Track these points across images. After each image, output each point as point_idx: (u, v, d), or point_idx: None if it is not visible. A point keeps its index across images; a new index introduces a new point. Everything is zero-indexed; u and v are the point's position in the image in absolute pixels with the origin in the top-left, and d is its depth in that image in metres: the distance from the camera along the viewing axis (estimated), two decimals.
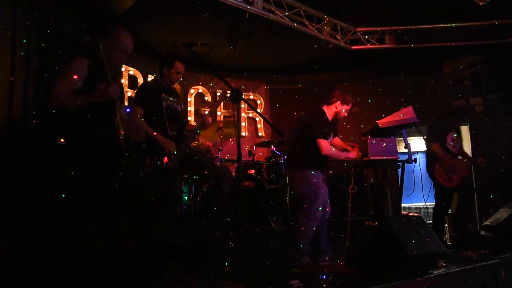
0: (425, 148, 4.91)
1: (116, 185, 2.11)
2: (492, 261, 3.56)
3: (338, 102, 3.86)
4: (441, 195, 4.79)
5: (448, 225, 5.89)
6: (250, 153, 5.48)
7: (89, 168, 2.49)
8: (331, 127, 3.83)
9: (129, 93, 5.56)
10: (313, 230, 3.58)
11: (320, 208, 3.59)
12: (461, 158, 4.83)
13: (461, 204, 4.87)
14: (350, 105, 3.92)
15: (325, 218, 3.77)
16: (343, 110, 3.88)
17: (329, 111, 3.88)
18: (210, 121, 3.79)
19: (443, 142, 4.79)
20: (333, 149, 3.73)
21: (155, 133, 3.30)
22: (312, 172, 3.64)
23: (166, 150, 3.30)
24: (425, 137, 4.56)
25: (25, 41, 3.80)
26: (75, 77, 2.57)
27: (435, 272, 3.05)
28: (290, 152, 4.00)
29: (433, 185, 4.76)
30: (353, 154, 3.81)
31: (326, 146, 3.64)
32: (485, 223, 4.45)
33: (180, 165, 3.39)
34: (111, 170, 2.44)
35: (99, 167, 2.46)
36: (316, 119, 3.79)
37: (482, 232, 4.58)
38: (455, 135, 4.90)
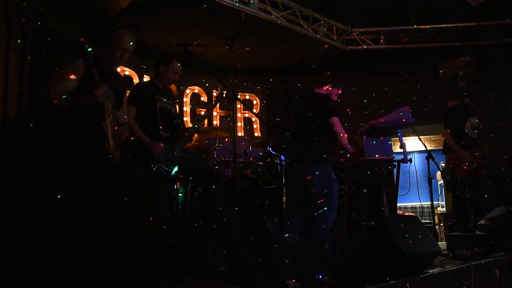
0: (421, 148, 4.92)
1: (108, 185, 2.11)
2: (487, 260, 3.59)
3: (329, 85, 3.73)
4: (453, 185, 4.75)
5: (443, 224, 5.93)
6: (246, 153, 5.47)
7: (73, 170, 2.47)
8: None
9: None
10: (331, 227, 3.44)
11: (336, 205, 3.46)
12: (477, 145, 4.77)
13: (470, 197, 4.78)
14: (340, 89, 3.80)
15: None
16: (334, 94, 3.75)
17: (322, 92, 3.74)
18: (205, 126, 3.78)
19: (457, 128, 4.77)
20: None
21: (142, 134, 3.30)
22: (328, 166, 3.51)
23: (152, 152, 3.29)
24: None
25: (19, 41, 3.79)
26: (69, 78, 2.54)
27: (431, 271, 3.07)
28: (305, 146, 3.62)
29: (444, 178, 4.71)
30: (352, 148, 3.68)
31: (340, 125, 3.46)
32: (480, 222, 4.47)
33: (174, 165, 3.38)
34: (96, 173, 2.43)
35: (83, 170, 2.44)
36: (321, 100, 3.61)
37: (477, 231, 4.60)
38: (477, 120, 4.86)
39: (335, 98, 3.81)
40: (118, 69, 2.88)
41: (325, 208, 3.43)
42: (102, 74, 2.66)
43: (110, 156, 2.60)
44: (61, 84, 2.53)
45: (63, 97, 2.51)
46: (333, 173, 3.62)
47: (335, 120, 3.49)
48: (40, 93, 2.57)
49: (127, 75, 2.75)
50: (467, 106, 4.98)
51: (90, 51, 2.44)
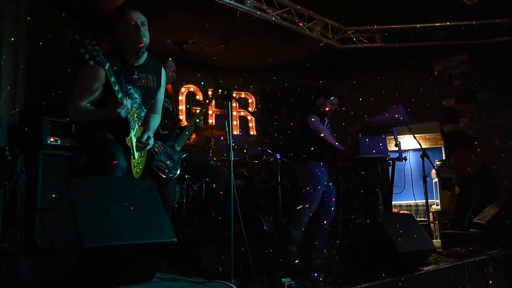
0: (416, 146, 4.94)
1: (107, 184, 2.10)
2: (481, 257, 3.62)
3: (322, 97, 3.99)
4: (466, 182, 4.74)
5: (437, 222, 5.96)
6: (242, 152, 5.48)
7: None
8: (321, 113, 3.91)
9: None
10: (305, 222, 3.64)
11: (317, 202, 3.65)
12: (478, 143, 4.81)
13: (478, 195, 4.79)
14: (337, 100, 3.99)
15: (329, 218, 3.79)
16: (328, 103, 3.98)
17: (319, 102, 4.01)
18: (202, 123, 3.78)
19: (456, 124, 4.81)
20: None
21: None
22: (314, 163, 3.71)
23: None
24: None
25: (13, 39, 3.76)
26: (89, 87, 2.47)
27: (425, 268, 3.09)
28: (294, 146, 4.16)
29: (439, 176, 4.72)
30: (342, 146, 3.83)
31: (316, 124, 3.75)
32: (474, 220, 4.50)
33: (174, 164, 3.38)
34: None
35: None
36: (307, 104, 3.98)
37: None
38: (466, 120, 4.89)
39: (331, 107, 3.93)
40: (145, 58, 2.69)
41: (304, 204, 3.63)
42: (126, 72, 2.56)
43: (134, 167, 2.59)
44: (82, 95, 2.47)
45: (87, 106, 2.47)
46: (326, 173, 3.69)
47: (311, 118, 3.73)
48: (68, 105, 2.51)
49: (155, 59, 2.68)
50: (457, 112, 4.99)
51: (94, 47, 2.28)
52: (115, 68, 2.46)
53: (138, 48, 2.58)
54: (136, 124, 2.64)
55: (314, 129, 3.75)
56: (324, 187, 3.71)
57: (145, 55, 2.68)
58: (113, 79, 2.38)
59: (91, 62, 2.28)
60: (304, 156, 3.80)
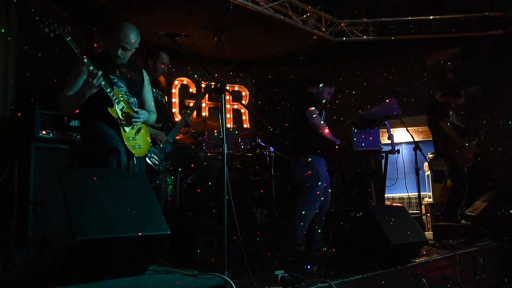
0: (409, 139, 4.95)
1: (100, 177, 2.09)
2: (471, 249, 3.67)
3: (320, 84, 3.90)
4: (459, 175, 4.73)
5: (430, 214, 6.02)
6: (235, 145, 5.47)
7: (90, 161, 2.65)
8: (319, 105, 3.83)
9: None
10: (310, 219, 3.57)
11: (320, 197, 3.58)
12: (468, 134, 4.85)
13: (469, 187, 4.80)
14: (333, 88, 3.95)
15: (324, 209, 3.77)
16: (326, 92, 3.91)
17: (314, 91, 3.91)
18: (193, 117, 3.80)
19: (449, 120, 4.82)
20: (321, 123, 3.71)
21: None
22: (314, 157, 3.63)
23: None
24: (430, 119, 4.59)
25: (3, 30, 3.72)
26: (74, 81, 2.65)
27: (417, 260, 3.13)
28: (291, 139, 3.96)
29: (448, 165, 4.75)
30: (337, 139, 3.77)
31: (314, 117, 3.63)
32: (466, 212, 4.55)
33: (165, 157, 3.38)
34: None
35: (97, 160, 2.54)
36: (304, 96, 3.85)
37: (463, 221, 4.69)
38: (454, 112, 4.95)
39: (327, 96, 3.88)
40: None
41: (304, 198, 3.53)
42: (110, 66, 2.75)
43: (127, 141, 2.68)
44: (70, 87, 2.66)
45: (70, 94, 2.63)
46: (324, 165, 3.66)
47: (312, 113, 3.60)
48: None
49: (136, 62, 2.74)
50: (445, 100, 5.01)
51: (52, 23, 2.45)
52: (100, 59, 2.71)
53: (117, 58, 2.79)
54: (123, 103, 2.72)
55: (313, 124, 3.65)
56: (325, 181, 3.68)
57: (127, 58, 2.85)
58: (78, 51, 2.50)
59: (52, 35, 2.46)
60: (302, 150, 3.70)
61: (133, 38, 2.74)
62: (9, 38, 3.85)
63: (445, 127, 4.71)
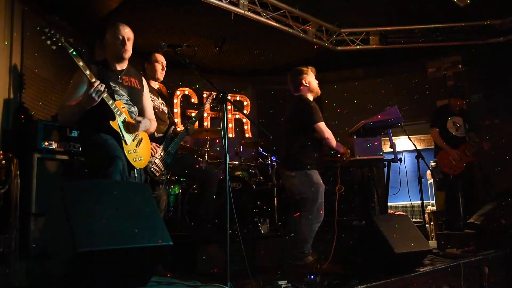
0: (411, 147, 4.96)
1: (101, 188, 2.09)
2: (476, 258, 3.63)
3: (303, 75, 3.72)
4: (444, 184, 4.79)
5: (433, 223, 5.98)
6: (237, 154, 5.47)
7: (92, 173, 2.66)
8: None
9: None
10: (315, 231, 3.41)
11: (323, 207, 3.43)
12: (466, 143, 4.85)
13: (461, 196, 4.83)
14: (314, 70, 3.79)
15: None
16: (312, 80, 3.73)
17: (305, 92, 3.69)
18: (195, 127, 3.79)
19: (443, 128, 4.82)
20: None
21: None
22: (314, 169, 3.47)
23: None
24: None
25: (6, 43, 3.75)
26: (75, 90, 2.65)
27: (421, 269, 3.10)
28: (286, 150, 3.62)
29: (434, 177, 4.75)
30: (342, 148, 3.64)
31: (326, 129, 3.46)
32: (470, 220, 4.52)
33: (166, 167, 3.37)
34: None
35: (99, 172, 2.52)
36: (305, 105, 3.54)
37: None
38: (456, 119, 4.94)
39: (316, 84, 3.75)
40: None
41: (307, 212, 3.37)
42: (110, 74, 2.76)
43: (128, 154, 2.67)
44: (69, 98, 2.65)
45: (70, 103, 2.62)
46: (319, 177, 3.51)
47: (320, 125, 3.46)
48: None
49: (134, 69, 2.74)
50: (447, 106, 5.07)
51: (54, 34, 2.44)
52: (100, 67, 2.73)
53: (121, 58, 2.82)
54: (124, 114, 2.72)
55: (327, 138, 3.45)
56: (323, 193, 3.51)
57: (126, 63, 2.89)
58: (81, 64, 2.50)
59: (54, 47, 2.46)
60: (303, 164, 3.46)
61: (127, 29, 2.81)
62: (12, 50, 3.88)
63: (433, 134, 4.73)
